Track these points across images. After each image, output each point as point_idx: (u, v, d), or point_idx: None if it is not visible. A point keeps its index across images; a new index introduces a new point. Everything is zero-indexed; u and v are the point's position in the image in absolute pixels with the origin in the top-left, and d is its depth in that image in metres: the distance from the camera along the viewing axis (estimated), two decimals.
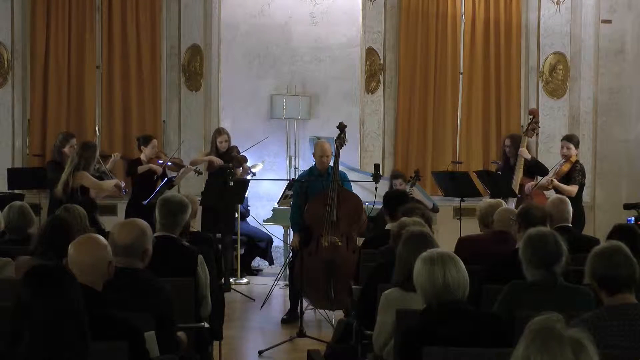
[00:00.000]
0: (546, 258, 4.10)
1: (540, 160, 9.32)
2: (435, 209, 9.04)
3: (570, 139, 8.80)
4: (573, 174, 8.51)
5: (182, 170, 9.29)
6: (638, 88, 11.00)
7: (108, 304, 3.41)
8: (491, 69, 11.23)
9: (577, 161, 8.65)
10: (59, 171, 8.37)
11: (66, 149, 8.68)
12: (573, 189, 8.38)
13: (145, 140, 9.35)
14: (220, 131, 9.76)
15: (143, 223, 4.21)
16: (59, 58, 10.75)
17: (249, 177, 9.58)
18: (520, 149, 8.73)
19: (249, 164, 10.05)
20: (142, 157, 9.27)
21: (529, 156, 8.83)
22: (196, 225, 7.69)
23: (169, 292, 4.06)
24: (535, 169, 8.78)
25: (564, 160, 8.64)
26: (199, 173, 9.44)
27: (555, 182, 8.45)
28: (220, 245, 8.81)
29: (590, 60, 11.11)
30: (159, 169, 9.14)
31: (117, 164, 9.41)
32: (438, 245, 4.25)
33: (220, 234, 8.98)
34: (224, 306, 6.11)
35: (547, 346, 2.19)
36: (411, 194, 8.50)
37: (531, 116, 9.12)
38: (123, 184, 8.81)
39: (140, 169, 9.10)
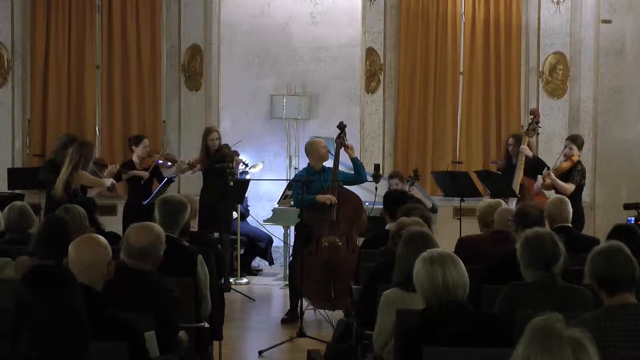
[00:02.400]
0: (544, 259, 4.10)
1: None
2: (434, 209, 9.03)
3: (575, 139, 8.81)
4: (572, 173, 8.53)
5: (176, 166, 9.32)
6: (638, 88, 10.99)
7: (112, 303, 3.42)
8: (491, 69, 11.22)
9: (579, 162, 8.65)
10: (54, 171, 8.34)
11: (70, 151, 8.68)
12: (569, 187, 8.37)
13: (136, 140, 9.35)
14: (210, 130, 9.76)
15: (160, 229, 4.24)
16: (59, 58, 10.75)
17: (242, 168, 9.57)
18: (522, 146, 8.73)
19: (249, 163, 10.05)
20: (134, 157, 9.27)
21: (530, 153, 8.83)
22: (193, 224, 7.70)
23: (173, 292, 4.07)
24: (536, 166, 8.77)
25: (564, 159, 8.66)
26: (193, 167, 9.45)
27: (553, 175, 8.45)
28: (219, 245, 8.83)
29: (590, 60, 11.09)
30: (145, 175, 9.11)
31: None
32: (438, 245, 4.25)
33: (217, 234, 8.98)
34: (224, 306, 6.11)
35: (546, 346, 2.19)
36: (410, 192, 8.51)
37: (532, 116, 9.12)
38: (113, 187, 8.85)
39: (124, 176, 9.09)
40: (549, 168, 8.73)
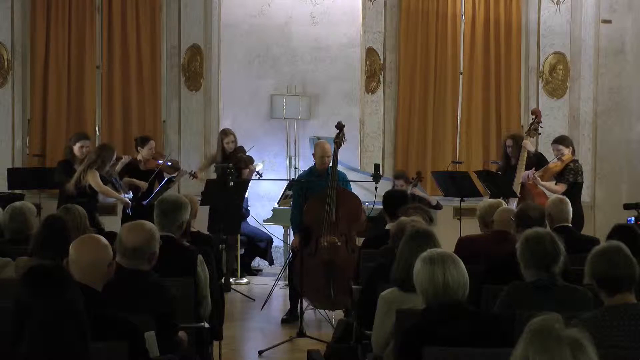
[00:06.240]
0: (543, 259, 4.10)
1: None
2: (438, 207, 9.04)
3: (562, 141, 8.69)
4: (564, 173, 8.46)
5: (177, 174, 9.33)
6: (638, 88, 10.99)
7: (112, 304, 3.41)
8: (491, 69, 11.21)
9: (573, 160, 8.59)
10: (68, 170, 8.46)
11: (76, 148, 8.72)
12: (559, 188, 8.28)
13: (142, 141, 9.39)
14: (226, 132, 9.76)
15: (151, 226, 4.22)
16: (59, 58, 10.75)
17: (255, 177, 9.53)
18: (524, 141, 8.70)
19: (263, 174, 10.04)
20: (139, 157, 9.31)
21: (532, 148, 8.81)
22: (202, 226, 7.71)
23: (172, 293, 4.07)
24: (538, 162, 8.73)
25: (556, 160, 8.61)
26: (194, 177, 9.48)
27: (538, 178, 8.40)
28: (223, 245, 8.83)
29: (590, 60, 11.09)
30: (144, 185, 9.10)
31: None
32: (440, 245, 4.24)
33: (225, 235, 8.99)
34: (224, 306, 6.11)
35: (545, 346, 2.19)
36: (412, 192, 8.54)
37: (534, 116, 9.09)
38: (130, 195, 8.83)
39: (125, 181, 9.09)
40: (547, 161, 8.70)
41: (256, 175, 9.51)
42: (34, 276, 2.78)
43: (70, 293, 2.78)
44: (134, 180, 9.14)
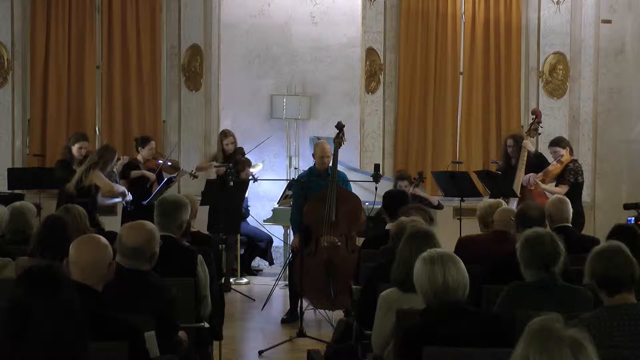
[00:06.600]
0: (544, 259, 4.10)
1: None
2: (440, 207, 9.04)
3: (558, 142, 8.69)
4: (564, 174, 8.46)
5: (177, 173, 9.34)
6: (638, 88, 10.99)
7: (112, 304, 3.41)
8: (491, 69, 11.21)
9: (572, 160, 8.59)
10: (67, 170, 8.48)
11: (74, 148, 8.74)
12: (560, 189, 8.29)
13: (142, 142, 9.42)
14: (226, 133, 9.79)
15: (152, 226, 4.22)
16: (59, 58, 10.75)
17: (250, 179, 9.53)
18: (524, 141, 8.70)
19: (258, 177, 10.02)
20: (139, 157, 9.33)
21: (532, 148, 8.81)
22: (202, 226, 7.70)
23: (172, 293, 4.07)
24: (538, 162, 8.73)
25: (556, 162, 8.61)
26: (195, 177, 9.50)
27: (539, 183, 8.41)
28: (223, 245, 8.83)
29: (590, 60, 11.09)
30: (152, 176, 9.14)
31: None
32: (440, 245, 4.24)
33: (225, 235, 8.99)
34: (224, 306, 6.11)
35: (545, 346, 2.19)
36: (414, 192, 8.53)
37: (534, 116, 9.10)
38: (129, 198, 8.84)
39: (133, 173, 9.13)
40: (548, 162, 8.69)
41: (252, 179, 9.50)
42: (29, 276, 2.77)
43: (66, 293, 2.78)
44: (143, 171, 9.16)
